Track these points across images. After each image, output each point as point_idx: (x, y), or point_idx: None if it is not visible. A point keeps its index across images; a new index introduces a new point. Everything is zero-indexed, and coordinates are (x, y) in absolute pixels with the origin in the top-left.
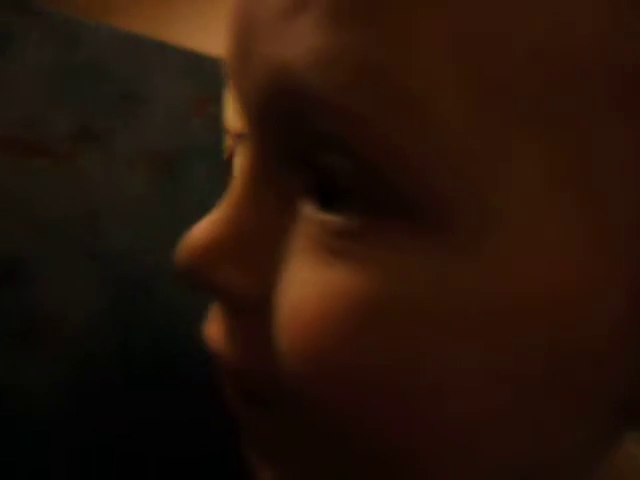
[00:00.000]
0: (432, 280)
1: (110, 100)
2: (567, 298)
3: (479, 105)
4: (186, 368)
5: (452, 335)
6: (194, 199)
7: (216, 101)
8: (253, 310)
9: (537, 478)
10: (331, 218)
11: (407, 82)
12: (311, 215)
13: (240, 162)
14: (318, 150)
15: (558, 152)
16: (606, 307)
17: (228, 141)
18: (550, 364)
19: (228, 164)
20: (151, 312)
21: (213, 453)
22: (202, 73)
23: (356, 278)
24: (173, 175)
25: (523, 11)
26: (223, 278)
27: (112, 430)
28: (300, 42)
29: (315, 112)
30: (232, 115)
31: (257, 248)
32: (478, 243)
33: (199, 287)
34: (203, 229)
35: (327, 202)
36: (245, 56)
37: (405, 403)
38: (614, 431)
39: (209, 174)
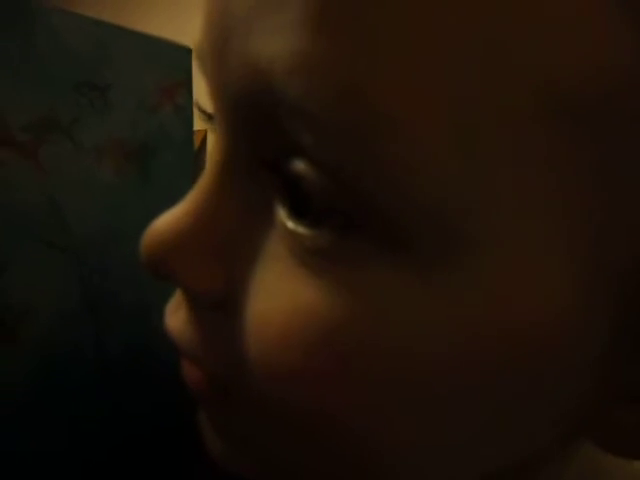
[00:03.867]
0: (399, 304)
1: (74, 88)
2: (541, 330)
3: (462, 130)
4: (160, 359)
5: (416, 360)
6: (162, 188)
7: (184, 89)
8: (214, 305)
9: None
10: (302, 231)
11: (392, 101)
12: (283, 222)
13: (210, 153)
14: (289, 156)
15: (535, 183)
16: (586, 343)
17: (198, 125)
18: (516, 385)
19: (197, 153)
20: (123, 303)
21: (194, 450)
22: (169, 60)
23: (324, 296)
24: (141, 164)
25: (510, 37)
26: (182, 271)
27: (86, 426)
28: (278, 41)
29: (289, 117)
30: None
31: (223, 244)
32: (452, 270)
33: (160, 277)
34: (167, 220)
35: (298, 210)
36: (220, 50)
37: (367, 421)
38: (570, 442)
39: (177, 163)
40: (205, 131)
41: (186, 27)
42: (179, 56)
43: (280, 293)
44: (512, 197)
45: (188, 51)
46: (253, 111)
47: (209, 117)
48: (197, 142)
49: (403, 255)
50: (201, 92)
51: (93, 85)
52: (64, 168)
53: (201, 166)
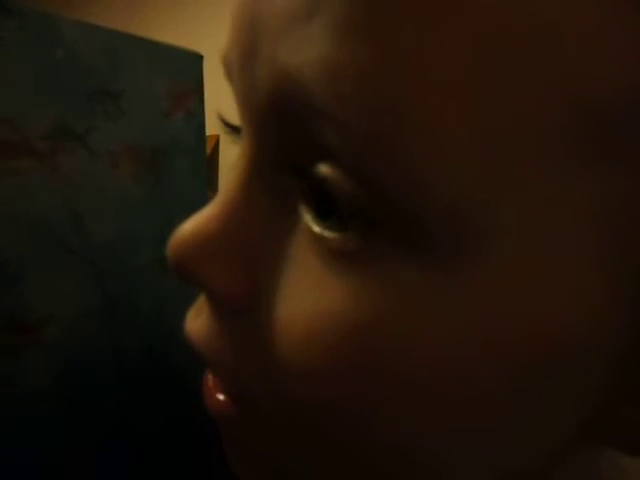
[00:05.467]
0: (423, 304)
1: (90, 97)
2: (563, 329)
3: (489, 135)
4: (179, 366)
5: (439, 359)
6: (176, 193)
7: (196, 95)
8: (239, 310)
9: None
10: (328, 235)
11: (419, 104)
12: (309, 225)
13: (236, 158)
14: (316, 161)
15: (556, 185)
16: (606, 344)
17: (210, 131)
18: (536, 384)
19: (209, 158)
20: (140, 309)
21: (207, 450)
22: (181, 67)
23: (349, 297)
24: (154, 170)
25: (543, 46)
26: (207, 275)
27: (105, 432)
28: (309, 49)
29: (318, 123)
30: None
31: (248, 248)
32: (474, 269)
33: (185, 281)
34: (194, 225)
35: (323, 214)
36: (248, 56)
37: (393, 419)
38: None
39: (190, 168)
40: (217, 136)
41: (196, 34)
42: (191, 63)
43: (305, 296)
44: (534, 197)
45: (199, 58)
46: (280, 116)
47: (233, 129)
48: (209, 147)
49: (426, 255)
50: (225, 105)
51: (107, 93)
52: (81, 175)
53: (213, 170)
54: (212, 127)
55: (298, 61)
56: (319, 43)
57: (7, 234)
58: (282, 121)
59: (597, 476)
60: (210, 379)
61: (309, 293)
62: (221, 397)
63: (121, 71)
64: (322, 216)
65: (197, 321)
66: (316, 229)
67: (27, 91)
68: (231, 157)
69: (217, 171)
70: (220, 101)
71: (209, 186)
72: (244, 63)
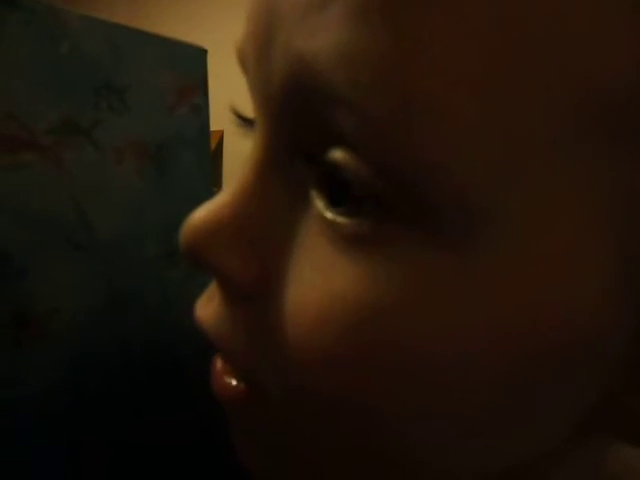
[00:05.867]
0: (435, 289)
1: (94, 92)
2: (573, 318)
3: (501, 120)
4: (184, 359)
5: (451, 345)
6: (180, 188)
7: (200, 90)
8: (250, 296)
9: (518, 474)
10: (341, 220)
11: (435, 90)
12: (321, 212)
13: (250, 146)
14: (330, 147)
15: (567, 173)
16: (614, 334)
17: (214, 126)
18: (545, 373)
19: (214, 153)
20: (146, 303)
21: (214, 445)
22: (186, 62)
23: (361, 282)
24: (159, 165)
25: (555, 34)
26: (219, 261)
27: (112, 426)
28: (325, 36)
29: (333, 109)
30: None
31: (260, 236)
32: (485, 254)
33: (198, 266)
34: (207, 211)
35: (336, 199)
36: (264, 44)
37: (400, 404)
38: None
39: (195, 163)
40: (221, 132)
41: (201, 28)
42: (195, 57)
43: (317, 281)
44: (544, 184)
45: (204, 52)
46: (295, 103)
47: (246, 122)
48: (213, 143)
49: (439, 239)
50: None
51: (111, 88)
52: (86, 170)
53: (217, 166)
54: (216, 122)
55: (314, 47)
56: (336, 29)
57: (12, 228)
58: (297, 108)
59: (600, 472)
60: (219, 364)
61: (321, 279)
62: (230, 382)
63: (126, 66)
64: (335, 202)
65: (208, 307)
66: (329, 215)
67: (31, 86)
68: (235, 152)
69: (221, 166)
70: (224, 96)
71: (213, 181)
72: (260, 53)
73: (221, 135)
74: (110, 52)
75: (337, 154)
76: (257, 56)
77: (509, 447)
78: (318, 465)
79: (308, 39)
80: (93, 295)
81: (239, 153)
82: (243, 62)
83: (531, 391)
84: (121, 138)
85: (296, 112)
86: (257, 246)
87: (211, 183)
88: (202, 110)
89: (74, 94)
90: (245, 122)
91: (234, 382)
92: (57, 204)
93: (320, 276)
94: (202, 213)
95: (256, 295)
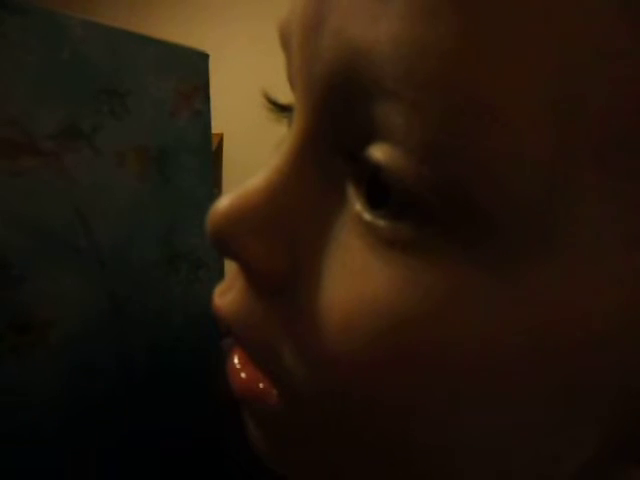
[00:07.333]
0: (471, 300)
1: (95, 96)
2: (607, 338)
3: (568, 138)
4: (185, 365)
5: (483, 357)
6: (182, 192)
7: (202, 94)
8: (274, 288)
9: None
10: (380, 224)
11: (490, 89)
12: (359, 213)
13: (285, 133)
14: (371, 143)
15: (613, 193)
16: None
17: (214, 129)
18: (573, 390)
19: (214, 158)
20: (147, 309)
21: (214, 451)
22: (187, 66)
23: (395, 287)
24: (161, 170)
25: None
26: (247, 249)
27: (113, 433)
28: (385, 26)
29: (381, 103)
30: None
31: (291, 226)
32: (529, 268)
33: (225, 253)
34: (236, 196)
35: (375, 201)
36: (314, 26)
37: (428, 418)
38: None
39: (196, 167)
40: (221, 135)
41: (201, 32)
42: (196, 61)
43: (348, 282)
44: (594, 202)
45: (205, 56)
46: (341, 91)
47: (281, 108)
48: (213, 146)
49: (485, 251)
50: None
51: (113, 92)
52: (87, 175)
53: (217, 169)
54: (216, 125)
55: (370, 36)
56: (398, 20)
57: (12, 234)
58: (342, 97)
59: None
60: (236, 356)
61: (353, 279)
62: (247, 374)
63: (127, 70)
64: (374, 204)
65: (227, 296)
66: (367, 217)
67: (32, 90)
68: (235, 155)
69: (221, 169)
70: (223, 98)
71: (215, 184)
72: (308, 34)
73: (221, 138)
74: (111, 57)
75: (377, 152)
76: (303, 38)
77: (540, 463)
78: (338, 464)
79: (366, 28)
80: (93, 301)
81: (239, 156)
82: (285, 43)
83: (562, 403)
84: (122, 143)
85: (341, 100)
86: (286, 236)
87: (213, 187)
88: (204, 114)
89: (75, 99)
90: (278, 108)
91: (251, 374)
92: (58, 209)
93: (352, 277)
94: (230, 198)
95: (282, 287)
